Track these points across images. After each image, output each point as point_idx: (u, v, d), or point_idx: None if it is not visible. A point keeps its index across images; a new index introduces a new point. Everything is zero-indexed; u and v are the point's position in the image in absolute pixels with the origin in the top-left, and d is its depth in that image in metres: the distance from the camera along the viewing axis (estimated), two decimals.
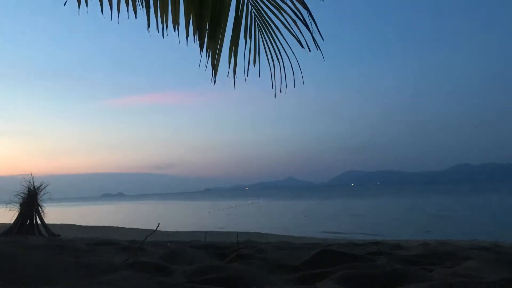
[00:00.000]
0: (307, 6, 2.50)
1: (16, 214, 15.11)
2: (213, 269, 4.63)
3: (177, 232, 21.27)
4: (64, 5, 2.66)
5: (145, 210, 66.96)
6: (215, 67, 2.90)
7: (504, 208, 38.19)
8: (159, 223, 7.83)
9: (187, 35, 2.81)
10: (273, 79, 2.89)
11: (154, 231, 7.44)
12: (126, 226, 27.88)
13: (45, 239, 11.01)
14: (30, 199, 15.28)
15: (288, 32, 2.72)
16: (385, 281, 4.06)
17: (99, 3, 2.71)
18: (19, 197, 15.30)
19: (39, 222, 15.32)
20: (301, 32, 2.63)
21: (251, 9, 2.82)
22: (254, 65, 2.95)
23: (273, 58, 2.89)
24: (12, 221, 15.10)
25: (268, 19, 2.80)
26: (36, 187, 15.50)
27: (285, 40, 2.81)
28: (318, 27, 2.51)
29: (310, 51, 2.61)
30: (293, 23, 2.65)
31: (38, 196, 15.50)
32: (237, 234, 8.76)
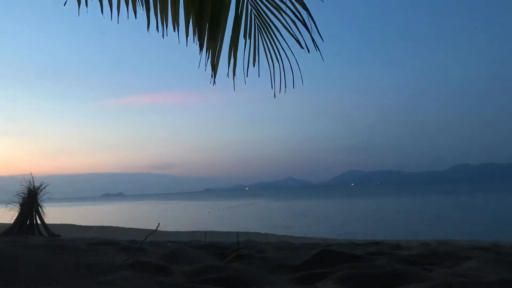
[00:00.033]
0: (307, 7, 2.50)
1: (16, 214, 15.11)
2: (213, 269, 4.64)
3: (177, 232, 21.28)
4: (64, 5, 2.66)
5: (145, 210, 66.98)
6: (214, 67, 2.90)
7: (504, 208, 38.19)
8: (159, 223, 7.84)
9: (187, 35, 2.81)
10: (272, 79, 2.89)
11: (154, 231, 7.44)
12: (126, 226, 27.88)
13: (45, 239, 11.01)
14: (30, 199, 15.28)
15: (287, 32, 2.72)
16: (385, 281, 4.06)
17: (99, 3, 2.71)
18: (19, 197, 15.30)
19: (39, 222, 15.32)
20: (300, 33, 2.64)
21: (251, 10, 2.83)
22: (254, 66, 2.95)
23: (273, 58, 2.90)
24: (12, 221, 15.10)
25: (267, 20, 2.80)
26: (36, 187, 15.50)
27: (285, 41, 2.81)
28: (318, 28, 2.51)
29: (309, 51, 2.61)
30: (292, 24, 2.66)
31: (38, 196, 15.50)
32: (237, 234, 8.76)
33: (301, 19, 2.54)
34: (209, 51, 2.88)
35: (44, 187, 15.67)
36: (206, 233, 15.69)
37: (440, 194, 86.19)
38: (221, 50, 2.90)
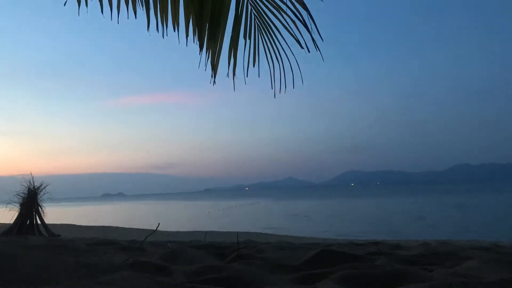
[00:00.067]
0: (307, 7, 2.50)
1: (16, 214, 15.11)
2: (213, 269, 4.64)
3: (177, 232, 21.28)
4: (64, 5, 2.66)
5: (145, 210, 66.97)
6: (214, 67, 2.90)
7: (504, 208, 38.20)
8: (159, 223, 7.84)
9: (187, 35, 2.81)
10: (272, 80, 2.89)
11: (154, 231, 7.45)
12: (126, 226, 27.89)
13: (45, 239, 11.01)
14: (30, 199, 15.28)
15: (287, 32, 2.72)
16: (385, 281, 4.07)
17: (99, 3, 2.71)
18: (19, 197, 15.31)
19: (39, 222, 15.32)
20: (300, 33, 2.64)
21: (251, 10, 2.83)
22: (254, 66, 2.95)
23: (273, 58, 2.90)
24: (12, 221, 15.10)
25: (267, 20, 2.80)
26: (36, 187, 15.50)
27: (285, 41, 2.81)
28: (318, 28, 2.51)
29: (309, 51, 2.61)
30: (292, 24, 2.66)
31: (38, 196, 15.51)
32: (237, 234, 8.76)
33: (301, 19, 2.54)
34: (209, 51, 2.88)
35: (44, 187, 15.67)
36: (206, 233, 15.70)
37: (440, 194, 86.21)
38: (221, 50, 2.90)
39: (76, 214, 57.71)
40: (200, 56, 2.86)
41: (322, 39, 2.54)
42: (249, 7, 2.82)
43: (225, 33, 2.86)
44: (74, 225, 28.17)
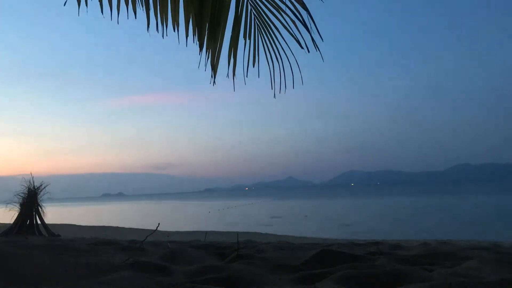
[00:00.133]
0: (307, 7, 2.50)
1: (16, 214, 15.12)
2: (213, 269, 4.64)
3: (177, 232, 21.29)
4: (64, 5, 2.66)
5: (145, 210, 66.98)
6: (214, 68, 2.90)
7: (503, 208, 38.20)
8: (159, 223, 7.84)
9: (187, 35, 2.81)
10: (272, 80, 2.89)
11: (154, 231, 7.45)
12: (126, 226, 27.90)
13: (45, 239, 11.01)
14: (30, 199, 15.29)
15: (287, 32, 2.72)
16: (385, 281, 4.07)
17: (99, 3, 2.71)
18: (19, 197, 15.32)
19: (39, 222, 15.32)
20: (300, 33, 2.64)
21: (251, 10, 2.82)
22: (254, 66, 2.95)
23: (273, 58, 2.89)
24: (12, 221, 15.11)
25: (267, 20, 2.80)
26: (36, 187, 15.51)
27: (285, 41, 2.81)
28: (318, 28, 2.51)
29: (309, 52, 2.61)
30: (292, 24, 2.65)
31: (38, 196, 15.52)
32: (237, 234, 8.76)
33: (301, 19, 2.54)
34: (209, 51, 2.88)
35: (44, 187, 15.69)
36: (206, 233, 15.70)
37: (440, 194, 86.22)
38: (221, 50, 2.90)
39: (76, 214, 57.74)
40: (200, 56, 2.87)
41: (322, 39, 2.54)
42: (249, 7, 2.81)
43: (225, 33, 2.86)
44: (74, 225, 28.19)
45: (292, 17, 2.62)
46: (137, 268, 4.63)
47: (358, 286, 3.99)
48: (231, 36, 2.86)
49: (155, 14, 2.78)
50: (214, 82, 2.92)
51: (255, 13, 2.82)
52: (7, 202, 15.38)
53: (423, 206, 46.17)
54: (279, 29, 2.79)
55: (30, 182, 15.46)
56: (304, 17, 2.52)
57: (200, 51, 2.86)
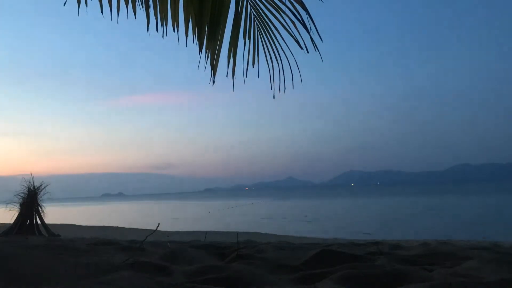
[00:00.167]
0: (306, 7, 2.50)
1: (16, 214, 15.12)
2: (213, 269, 4.64)
3: (177, 232, 21.29)
4: (64, 5, 2.66)
5: (145, 210, 66.99)
6: (214, 67, 2.90)
7: (504, 208, 38.20)
8: (159, 223, 7.85)
9: (187, 35, 2.81)
10: (272, 80, 2.89)
11: (154, 231, 7.45)
12: (126, 226, 27.91)
13: (45, 239, 11.01)
14: (30, 199, 15.29)
15: (287, 32, 2.72)
16: (385, 281, 4.07)
17: (99, 3, 2.71)
18: (19, 197, 15.32)
19: (39, 222, 15.32)
20: (299, 33, 2.64)
21: (250, 10, 2.83)
22: (253, 66, 2.95)
23: (272, 58, 2.90)
24: (12, 221, 15.11)
25: (267, 20, 2.80)
26: (36, 187, 15.51)
27: (284, 41, 2.81)
28: (317, 28, 2.51)
29: (308, 52, 2.61)
30: (292, 24, 2.66)
31: (38, 196, 15.52)
32: (237, 234, 8.76)
33: (300, 19, 2.54)
34: (209, 51, 2.88)
35: (44, 187, 15.69)
36: (206, 233, 15.70)
37: (440, 194, 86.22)
38: (220, 50, 2.90)
39: (76, 214, 57.74)
40: (199, 56, 2.87)
41: (322, 40, 2.55)
42: (249, 7, 2.82)
43: (225, 33, 2.86)
44: (74, 225, 28.20)
45: (291, 17, 2.62)
46: (137, 268, 4.63)
47: (358, 286, 3.99)
48: (231, 36, 2.86)
49: (155, 14, 2.78)
50: (213, 82, 2.92)
51: (254, 13, 2.83)
52: (7, 202, 15.38)
53: (423, 206, 46.16)
54: (279, 29, 2.79)
55: (30, 182, 15.47)
56: (303, 18, 2.53)
57: (200, 51, 2.86)
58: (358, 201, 69.23)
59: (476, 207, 41.36)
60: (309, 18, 2.50)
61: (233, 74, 2.95)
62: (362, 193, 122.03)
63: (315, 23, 2.51)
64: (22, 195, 15.32)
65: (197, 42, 2.84)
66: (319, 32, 2.52)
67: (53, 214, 21.79)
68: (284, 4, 2.60)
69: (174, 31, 2.82)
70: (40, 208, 15.38)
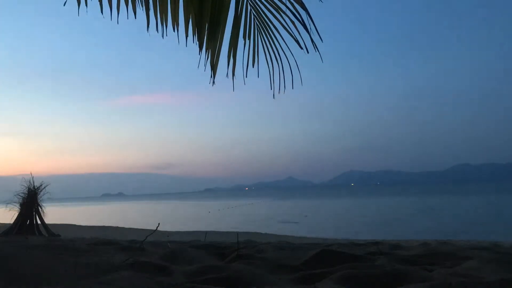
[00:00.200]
0: (306, 7, 2.50)
1: (16, 214, 15.12)
2: (213, 269, 4.64)
3: (177, 232, 21.29)
4: (64, 5, 2.66)
5: (145, 210, 67.00)
6: (214, 67, 2.90)
7: (504, 208, 38.20)
8: (159, 223, 7.85)
9: (187, 35, 2.81)
10: (272, 80, 2.89)
11: (154, 231, 7.45)
12: (126, 226, 27.92)
13: (45, 239, 11.01)
14: (30, 199, 15.29)
15: (287, 33, 2.72)
16: (385, 281, 4.07)
17: (99, 3, 2.71)
18: (19, 197, 15.32)
19: (39, 222, 15.32)
20: (299, 33, 2.64)
21: (250, 10, 2.83)
22: (253, 66, 2.95)
23: (272, 58, 2.90)
24: (12, 221, 15.11)
25: (267, 20, 2.80)
26: (36, 187, 15.51)
27: (284, 41, 2.81)
28: (317, 28, 2.51)
29: (308, 52, 2.61)
30: (291, 24, 2.65)
31: (38, 196, 15.52)
32: (237, 234, 8.76)
33: (300, 19, 2.54)
34: (209, 51, 2.88)
35: (44, 187, 15.69)
36: (206, 233, 15.70)
37: (440, 194, 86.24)
38: (220, 50, 2.90)
39: (76, 214, 57.76)
40: (199, 56, 2.87)
41: (322, 40, 2.55)
42: (249, 7, 2.82)
43: (225, 33, 2.86)
44: (74, 225, 28.20)
45: (291, 18, 2.62)
46: (137, 268, 4.63)
47: (358, 286, 3.99)
48: (231, 36, 2.86)
49: (155, 14, 2.78)
50: (213, 82, 2.92)
51: (254, 13, 2.83)
52: (7, 202, 15.38)
53: (423, 206, 46.17)
54: (279, 29, 2.79)
55: (30, 182, 15.47)
56: (303, 18, 2.53)
57: (199, 51, 2.86)
58: (358, 201, 69.24)
59: (476, 207, 41.36)
60: (309, 18, 2.50)
61: (233, 74, 2.95)
62: (362, 193, 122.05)
63: (315, 23, 2.51)
64: (22, 195, 15.32)
65: (197, 42, 2.84)
66: (319, 32, 2.52)
67: (53, 214, 21.80)
68: (284, 4, 2.60)
69: (174, 31, 2.81)
70: (40, 208, 15.39)
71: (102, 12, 2.71)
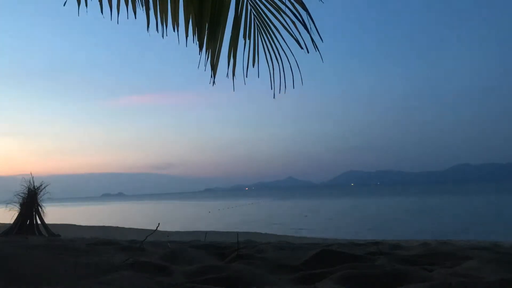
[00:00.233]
0: (306, 7, 2.50)
1: (16, 214, 15.12)
2: (213, 269, 4.64)
3: (177, 232, 21.29)
4: (64, 5, 2.66)
5: (145, 210, 67.00)
6: (214, 68, 2.90)
7: (504, 208, 38.19)
8: (159, 223, 7.85)
9: (187, 35, 2.81)
10: (272, 80, 2.89)
11: (154, 231, 7.45)
12: (126, 226, 27.92)
13: (45, 239, 11.01)
14: (30, 199, 15.29)
15: (287, 32, 2.72)
16: (385, 281, 4.06)
17: (99, 3, 2.71)
18: (19, 197, 15.32)
19: (39, 222, 15.32)
20: (300, 33, 2.64)
21: (251, 10, 2.83)
22: (254, 66, 2.95)
23: (272, 58, 2.90)
24: (12, 221, 15.11)
25: (267, 20, 2.80)
26: (36, 187, 15.51)
27: (284, 41, 2.81)
28: (317, 28, 2.51)
29: (308, 52, 2.61)
30: (292, 24, 2.65)
31: (38, 196, 15.52)
32: (237, 234, 8.76)
33: (300, 19, 2.54)
34: (209, 51, 2.88)
35: (44, 187, 15.69)
36: (206, 233, 15.70)
37: (440, 194, 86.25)
38: (220, 50, 2.90)
39: (76, 214, 57.76)
40: (199, 56, 2.87)
41: (322, 40, 2.55)
42: (249, 7, 2.82)
43: (225, 33, 2.86)
44: (74, 225, 28.21)
45: (291, 18, 2.62)
46: (137, 268, 4.63)
47: (358, 286, 3.99)
48: (231, 36, 2.86)
49: (155, 14, 2.78)
50: (214, 82, 2.92)
51: (254, 13, 2.83)
52: (7, 202, 15.38)
53: (423, 206, 46.16)
54: (279, 29, 2.79)
55: (30, 182, 15.47)
56: (303, 17, 2.53)
57: (200, 51, 2.86)
58: (358, 201, 69.22)
59: (476, 207, 41.36)
60: (309, 18, 2.50)
61: (233, 74, 2.95)
62: (362, 193, 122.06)
63: (315, 23, 2.51)
64: (22, 195, 15.32)
65: (197, 42, 2.84)
66: (319, 32, 2.52)
67: (53, 214, 21.80)
68: (284, 4, 2.60)
69: (174, 31, 2.82)
70: (40, 208, 15.39)
71: (102, 12, 2.71)
